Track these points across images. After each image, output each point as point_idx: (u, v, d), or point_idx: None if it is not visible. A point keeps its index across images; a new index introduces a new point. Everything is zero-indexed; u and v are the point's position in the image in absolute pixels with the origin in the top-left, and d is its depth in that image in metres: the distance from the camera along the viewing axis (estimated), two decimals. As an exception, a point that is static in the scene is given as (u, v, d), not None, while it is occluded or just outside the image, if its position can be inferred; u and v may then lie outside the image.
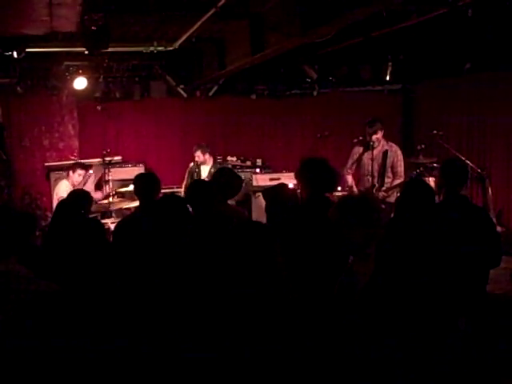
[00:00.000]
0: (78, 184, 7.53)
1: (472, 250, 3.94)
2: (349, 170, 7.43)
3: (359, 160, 7.34)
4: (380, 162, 7.10)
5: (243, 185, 5.24)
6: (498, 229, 6.34)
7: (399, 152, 7.21)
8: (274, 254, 2.41)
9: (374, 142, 7.05)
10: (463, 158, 7.37)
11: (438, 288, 2.24)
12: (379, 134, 7.08)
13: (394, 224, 3.63)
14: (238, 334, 2.25)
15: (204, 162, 8.34)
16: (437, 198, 4.58)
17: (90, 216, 5.54)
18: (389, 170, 7.13)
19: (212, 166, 8.30)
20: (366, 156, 7.20)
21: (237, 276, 2.35)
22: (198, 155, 8.28)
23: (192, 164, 8.37)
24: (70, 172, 7.54)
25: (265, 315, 2.27)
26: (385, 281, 2.32)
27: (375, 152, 7.09)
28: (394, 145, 7.25)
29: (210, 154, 8.42)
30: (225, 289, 2.37)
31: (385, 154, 7.07)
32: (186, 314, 2.68)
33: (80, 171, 7.53)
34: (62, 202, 4.73)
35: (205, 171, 8.33)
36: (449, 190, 4.23)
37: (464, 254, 3.92)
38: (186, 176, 8.43)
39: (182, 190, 8.29)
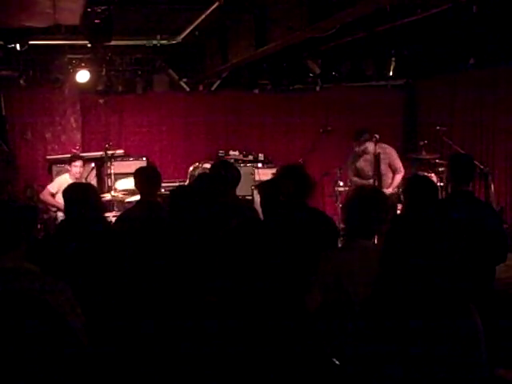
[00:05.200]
0: (80, 176, 7.58)
1: (478, 246, 3.94)
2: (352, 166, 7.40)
3: (355, 162, 7.31)
4: (374, 165, 6.99)
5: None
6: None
7: (393, 152, 7.17)
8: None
9: (361, 152, 7.04)
10: (465, 155, 7.35)
11: (445, 286, 2.22)
12: (363, 146, 7.00)
13: (399, 222, 3.61)
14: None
15: None
16: (443, 193, 4.58)
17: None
18: (388, 169, 7.08)
19: None
20: (361, 159, 7.19)
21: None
22: None
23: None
24: (68, 166, 7.67)
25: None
26: (393, 282, 2.29)
27: (366, 158, 7.06)
28: (385, 146, 7.15)
29: None
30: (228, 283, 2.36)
31: (377, 157, 6.91)
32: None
33: (77, 163, 7.56)
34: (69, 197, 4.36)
35: None
36: (455, 185, 4.22)
37: (470, 249, 3.92)
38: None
39: None
